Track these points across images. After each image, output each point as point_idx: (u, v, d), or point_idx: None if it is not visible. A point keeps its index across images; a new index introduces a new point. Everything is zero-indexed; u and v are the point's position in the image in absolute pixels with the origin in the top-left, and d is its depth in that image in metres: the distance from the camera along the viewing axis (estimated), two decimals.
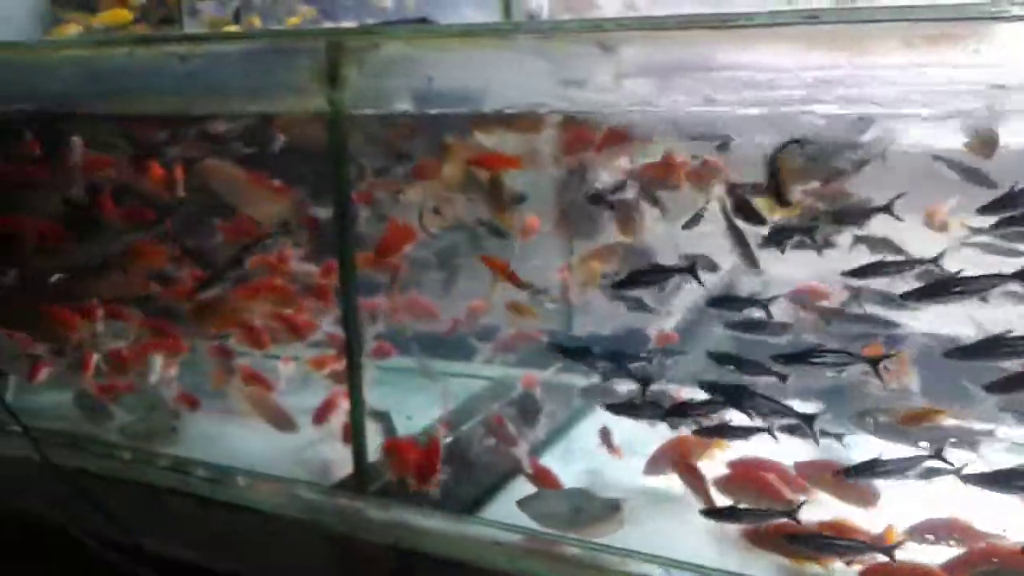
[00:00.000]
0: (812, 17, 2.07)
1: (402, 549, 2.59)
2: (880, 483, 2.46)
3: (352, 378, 2.78)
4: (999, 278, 2.18)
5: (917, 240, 2.42)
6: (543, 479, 2.82)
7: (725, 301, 2.53)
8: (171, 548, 3.03)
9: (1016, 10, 1.89)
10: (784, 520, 2.36)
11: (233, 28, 3.91)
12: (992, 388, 2.27)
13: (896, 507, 2.45)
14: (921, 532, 2.37)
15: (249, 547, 2.89)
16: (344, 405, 3.06)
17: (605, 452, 3.02)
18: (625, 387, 2.69)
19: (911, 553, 2.27)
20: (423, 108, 2.60)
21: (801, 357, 2.36)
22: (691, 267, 2.48)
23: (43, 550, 3.27)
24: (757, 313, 2.49)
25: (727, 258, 2.79)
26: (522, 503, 2.64)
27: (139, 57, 2.84)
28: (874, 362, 2.30)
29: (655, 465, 2.84)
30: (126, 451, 3.34)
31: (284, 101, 2.76)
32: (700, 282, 2.49)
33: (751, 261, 2.55)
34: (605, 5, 3.74)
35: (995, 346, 2.21)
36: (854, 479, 2.39)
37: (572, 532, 2.54)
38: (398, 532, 2.64)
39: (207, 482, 3.04)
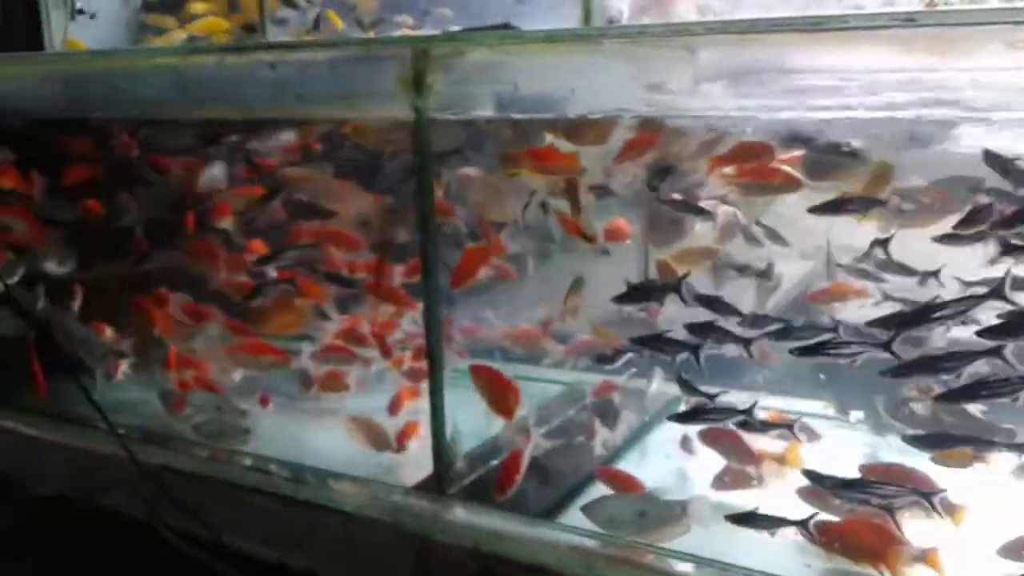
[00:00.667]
0: (909, 20, 2.03)
1: (482, 552, 2.60)
2: None
3: (433, 380, 2.80)
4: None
5: None
6: (620, 482, 2.81)
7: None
8: (251, 545, 3.09)
9: None
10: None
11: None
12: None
13: None
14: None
15: (328, 546, 2.94)
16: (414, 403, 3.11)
17: (681, 457, 3.00)
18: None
19: None
20: (505, 113, 2.61)
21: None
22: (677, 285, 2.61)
23: (127, 546, 3.36)
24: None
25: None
26: (587, 508, 2.64)
27: (229, 65, 2.91)
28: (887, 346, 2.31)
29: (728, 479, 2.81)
30: (206, 448, 3.42)
31: (370, 108, 2.80)
32: (684, 299, 2.59)
33: None
34: (681, 7, 3.74)
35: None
36: None
37: (639, 536, 2.53)
38: (478, 535, 2.65)
39: (288, 481, 3.09)
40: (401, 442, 3.21)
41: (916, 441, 2.48)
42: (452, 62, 2.58)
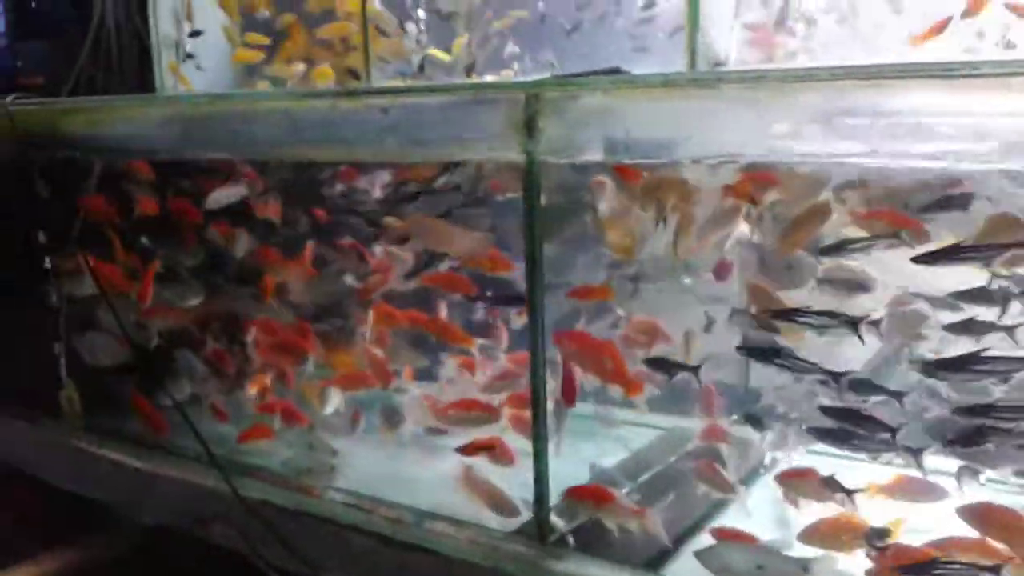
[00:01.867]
0: None
1: None
2: None
3: (536, 427, 2.78)
4: None
5: None
6: (730, 534, 2.74)
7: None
8: None
9: None
10: None
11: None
12: None
13: None
14: None
15: None
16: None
17: (789, 507, 2.91)
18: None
19: None
20: (615, 158, 2.60)
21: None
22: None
23: None
24: None
25: None
26: (701, 554, 2.58)
27: (341, 109, 2.97)
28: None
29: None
30: (303, 484, 3.46)
31: (481, 150, 2.82)
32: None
33: None
34: (790, 46, 3.70)
35: None
36: None
37: None
38: None
39: (386, 520, 3.09)
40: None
41: None
42: (564, 106, 2.58)
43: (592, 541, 2.81)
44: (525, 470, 2.83)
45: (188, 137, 3.49)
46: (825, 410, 2.71)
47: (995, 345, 2.55)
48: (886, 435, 2.61)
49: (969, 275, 2.63)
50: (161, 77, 4.60)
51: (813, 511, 2.79)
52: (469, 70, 4.29)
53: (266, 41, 4.55)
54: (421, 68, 4.12)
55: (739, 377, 3.58)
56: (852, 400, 2.68)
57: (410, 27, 4.18)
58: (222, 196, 3.66)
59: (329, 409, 3.78)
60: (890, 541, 2.51)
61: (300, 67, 4.45)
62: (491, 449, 3.10)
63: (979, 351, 2.50)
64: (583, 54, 4.10)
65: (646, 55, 4.07)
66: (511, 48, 4.34)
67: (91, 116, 3.84)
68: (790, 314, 2.67)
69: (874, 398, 2.67)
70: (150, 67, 4.56)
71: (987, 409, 2.48)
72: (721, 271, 3.15)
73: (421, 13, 4.23)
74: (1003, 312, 2.59)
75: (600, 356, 3.00)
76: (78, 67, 4.50)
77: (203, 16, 4.62)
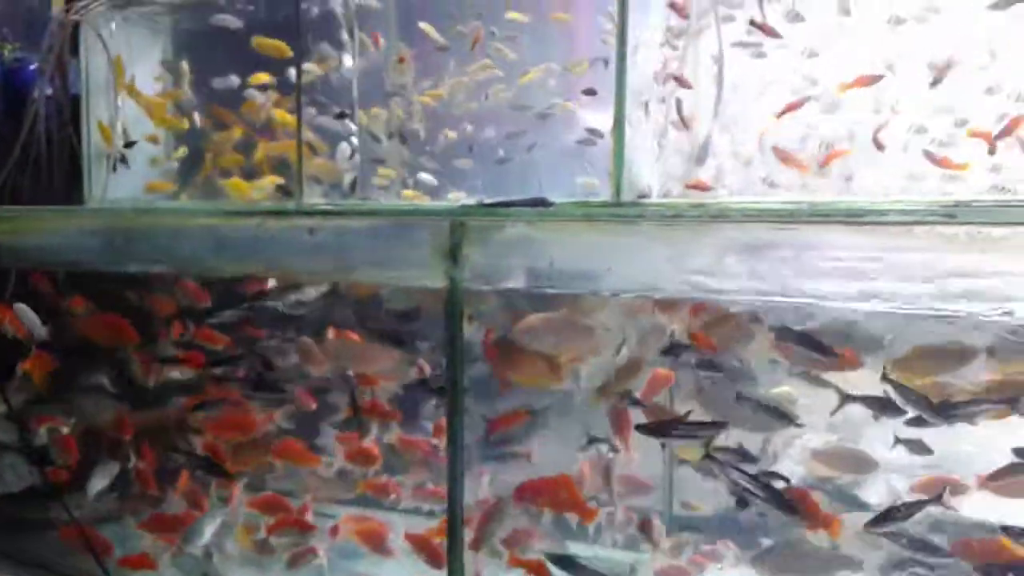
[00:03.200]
0: (949, 216, 2.05)
1: None
2: None
3: (452, 559, 2.69)
4: None
5: None
6: None
7: None
8: None
9: None
10: None
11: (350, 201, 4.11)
12: None
13: None
14: None
15: None
16: None
17: None
18: None
19: None
20: (537, 287, 2.62)
21: None
22: None
23: None
24: None
25: None
26: None
27: (269, 227, 2.96)
28: None
29: None
30: None
31: (406, 275, 2.82)
32: None
33: None
34: (715, 181, 3.84)
35: None
36: None
37: None
38: None
39: None
40: None
41: None
42: (489, 235, 2.61)
43: None
44: None
45: (112, 249, 3.44)
46: None
47: None
48: None
49: None
50: (90, 187, 4.56)
51: None
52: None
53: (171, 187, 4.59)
54: (353, 188, 4.16)
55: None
56: None
57: (344, 148, 4.23)
58: None
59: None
60: None
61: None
62: None
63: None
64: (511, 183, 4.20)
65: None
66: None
67: (14, 224, 3.76)
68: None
69: None
70: (80, 177, 4.52)
71: None
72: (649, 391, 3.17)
73: (354, 139, 4.29)
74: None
75: (557, 491, 2.98)
76: (4, 174, 4.44)
77: (137, 127, 4.63)
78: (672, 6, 3.51)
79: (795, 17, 3.78)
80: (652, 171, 3.49)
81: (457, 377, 2.67)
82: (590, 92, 4.13)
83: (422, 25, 4.31)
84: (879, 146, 3.71)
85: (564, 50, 4.44)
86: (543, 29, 4.44)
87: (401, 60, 4.27)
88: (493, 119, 4.41)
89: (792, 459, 3.01)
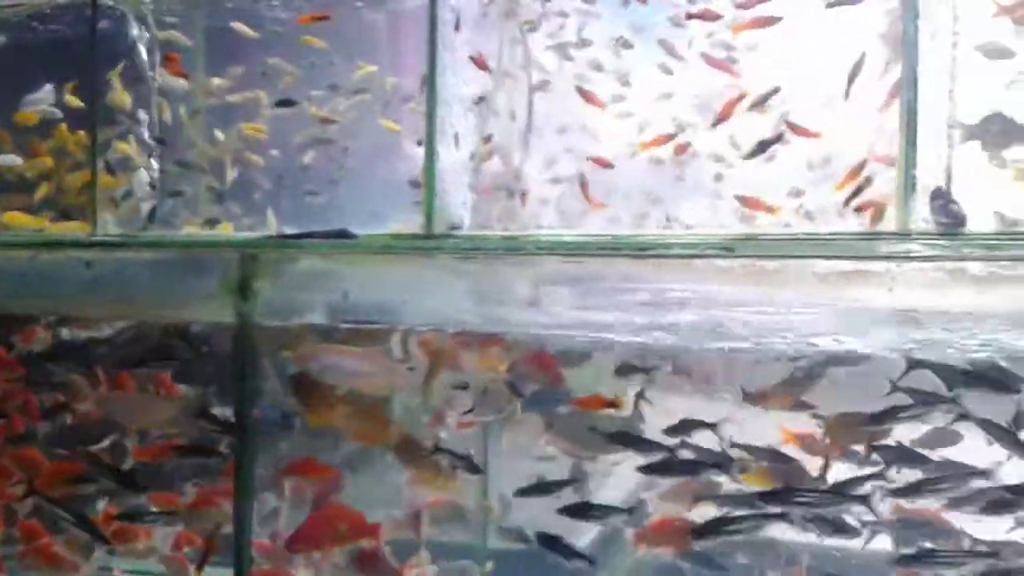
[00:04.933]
0: (727, 249, 2.10)
1: None
2: None
3: None
4: None
5: None
6: None
7: None
8: None
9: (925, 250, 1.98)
10: None
11: (148, 230, 3.87)
12: None
13: None
14: None
15: None
16: None
17: None
18: None
19: None
20: (337, 321, 2.52)
21: None
22: None
23: None
24: None
25: None
26: None
27: (40, 261, 2.73)
28: None
29: None
30: None
31: (192, 311, 2.66)
32: None
33: None
34: (528, 212, 3.86)
35: None
36: None
37: None
38: None
39: None
40: None
41: None
42: (282, 268, 2.49)
43: None
44: None
45: None
46: None
47: None
48: None
49: None
50: None
51: None
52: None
53: None
54: (151, 218, 3.93)
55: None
56: None
57: (142, 174, 3.99)
58: None
59: None
60: None
61: None
62: None
63: None
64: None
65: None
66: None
67: None
68: None
69: None
70: None
71: None
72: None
73: (155, 162, 4.06)
74: None
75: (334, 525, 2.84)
76: None
77: None
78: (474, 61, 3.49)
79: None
80: (464, 203, 3.47)
81: (246, 419, 2.52)
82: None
83: (234, 24, 4.11)
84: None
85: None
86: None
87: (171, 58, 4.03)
88: (306, 149, 4.29)
89: None
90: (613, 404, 2.61)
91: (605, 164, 3.70)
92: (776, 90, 3.44)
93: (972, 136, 3.28)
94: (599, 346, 2.49)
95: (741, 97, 3.50)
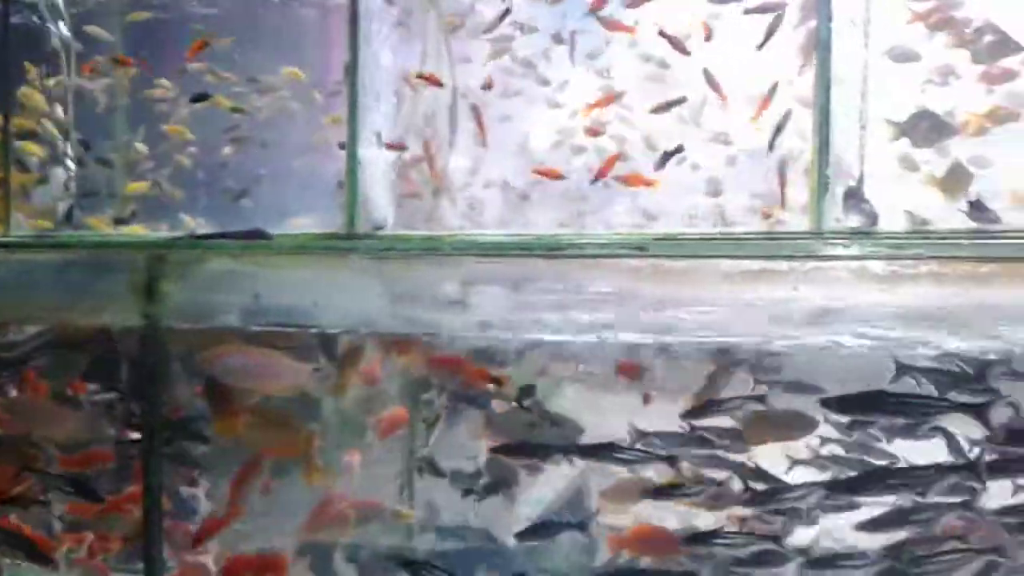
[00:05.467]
0: (639, 248, 2.10)
1: None
2: None
3: None
4: None
5: None
6: None
7: None
8: None
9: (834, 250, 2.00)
10: None
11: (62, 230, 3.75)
12: None
13: None
14: None
15: None
16: None
17: None
18: None
19: None
20: (249, 324, 2.46)
21: None
22: None
23: None
24: None
25: None
26: None
27: None
28: None
29: None
30: None
31: (98, 313, 2.57)
32: None
33: None
34: (452, 212, 3.84)
35: None
36: None
37: None
38: None
39: None
40: None
41: None
42: (191, 270, 2.43)
43: None
44: None
45: None
46: None
47: None
48: None
49: None
50: None
51: None
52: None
53: None
54: (69, 217, 3.81)
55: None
56: None
57: (59, 172, 3.87)
58: None
59: None
60: None
61: None
62: None
63: None
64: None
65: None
66: None
67: None
68: None
69: None
70: None
71: None
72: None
73: (71, 163, 3.93)
74: None
75: None
76: None
77: None
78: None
79: None
80: (388, 203, 3.43)
81: (153, 422, 2.46)
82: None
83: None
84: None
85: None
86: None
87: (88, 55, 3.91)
88: (226, 148, 4.21)
89: None
90: (498, 381, 2.60)
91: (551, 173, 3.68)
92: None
93: (902, 133, 3.35)
94: (521, 346, 2.48)
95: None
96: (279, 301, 2.41)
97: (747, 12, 3.38)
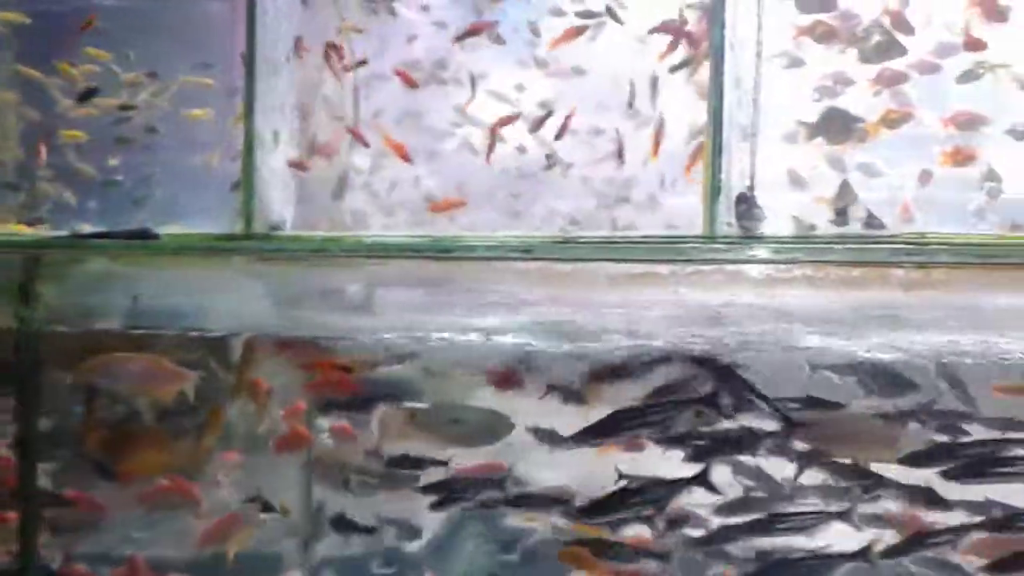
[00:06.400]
0: (525, 251, 2.10)
1: None
2: None
3: None
4: None
5: None
6: None
7: None
8: None
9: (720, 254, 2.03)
10: None
11: None
12: None
13: None
14: None
15: None
16: None
17: None
18: None
19: None
20: (130, 328, 2.38)
21: None
22: None
23: None
24: None
25: None
26: None
27: None
28: None
29: None
30: None
31: None
32: None
33: None
34: (349, 216, 3.78)
35: None
36: None
37: None
38: None
39: None
40: None
41: None
42: (68, 271, 2.34)
43: None
44: None
45: None
46: None
47: None
48: None
49: None
50: None
51: None
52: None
53: None
54: None
55: None
56: None
57: None
58: None
59: None
60: None
61: None
62: None
63: None
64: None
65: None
66: None
67: None
68: None
69: None
70: None
71: None
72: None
73: None
74: None
75: None
76: None
77: None
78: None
79: None
80: (286, 203, 3.36)
81: (30, 427, 2.36)
82: None
83: None
84: None
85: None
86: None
87: None
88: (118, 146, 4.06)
89: None
90: (348, 369, 2.56)
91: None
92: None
93: (817, 133, 3.42)
94: (410, 346, 2.46)
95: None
96: (160, 303, 2.34)
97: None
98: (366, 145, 3.66)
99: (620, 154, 3.63)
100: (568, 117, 3.60)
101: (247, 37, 3.15)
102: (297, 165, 3.08)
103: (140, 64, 4.16)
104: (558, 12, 3.64)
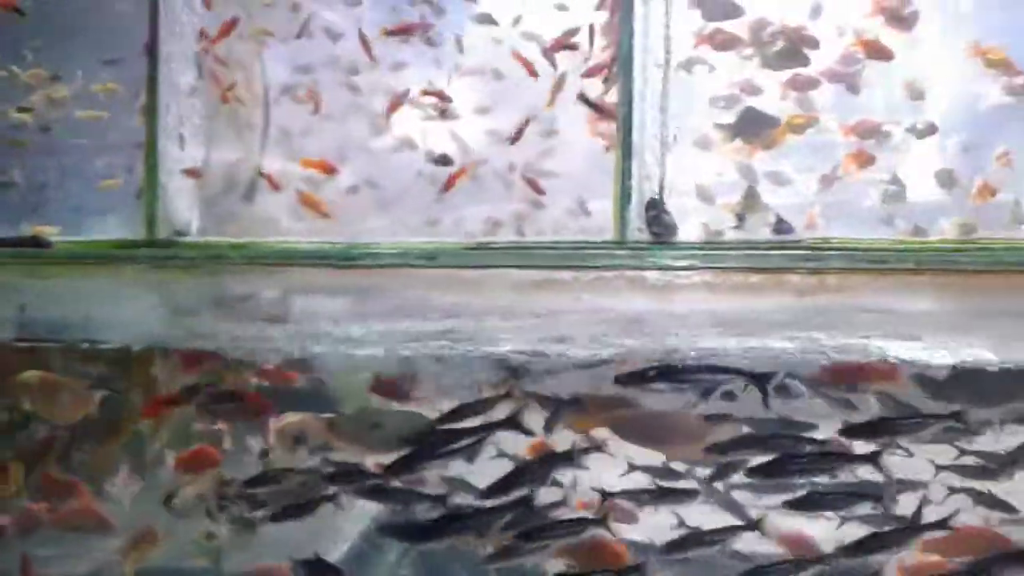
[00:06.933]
0: (429, 258, 2.07)
1: None
2: None
3: None
4: None
5: None
6: None
7: None
8: None
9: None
10: None
11: None
12: None
13: None
14: None
15: None
16: None
17: None
18: None
19: None
20: (16, 340, 2.27)
21: None
22: None
23: None
24: None
25: None
26: None
27: None
28: None
29: None
30: None
31: None
32: None
33: None
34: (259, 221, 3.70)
35: None
36: None
37: None
38: None
39: None
40: None
41: None
42: None
43: None
44: None
45: None
46: None
47: None
48: None
49: None
50: None
51: None
52: None
53: None
54: None
55: None
56: None
57: None
58: None
59: None
60: None
61: None
62: None
63: None
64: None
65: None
66: None
67: None
68: None
69: None
70: None
71: None
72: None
73: None
74: None
75: None
76: None
77: None
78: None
79: None
80: (191, 207, 3.26)
81: None
82: None
83: None
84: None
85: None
86: None
87: None
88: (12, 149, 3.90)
89: None
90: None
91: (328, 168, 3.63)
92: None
93: (736, 134, 3.45)
94: (310, 354, 2.40)
95: None
96: (48, 314, 2.24)
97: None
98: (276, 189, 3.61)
99: None
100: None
101: (150, 33, 3.07)
102: (191, 173, 2.99)
103: (45, 64, 4.01)
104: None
